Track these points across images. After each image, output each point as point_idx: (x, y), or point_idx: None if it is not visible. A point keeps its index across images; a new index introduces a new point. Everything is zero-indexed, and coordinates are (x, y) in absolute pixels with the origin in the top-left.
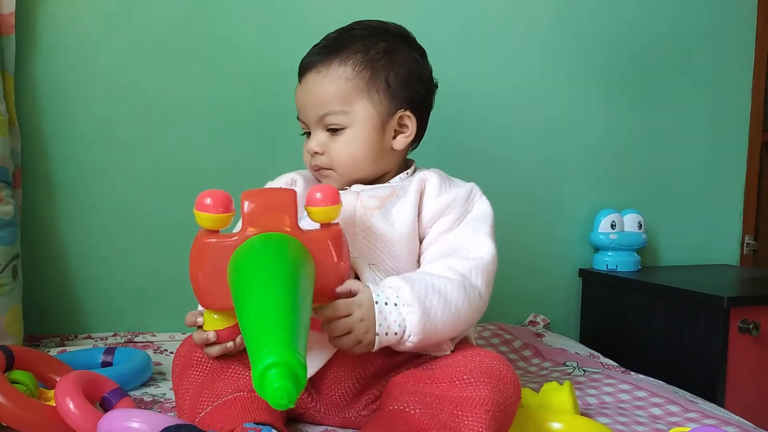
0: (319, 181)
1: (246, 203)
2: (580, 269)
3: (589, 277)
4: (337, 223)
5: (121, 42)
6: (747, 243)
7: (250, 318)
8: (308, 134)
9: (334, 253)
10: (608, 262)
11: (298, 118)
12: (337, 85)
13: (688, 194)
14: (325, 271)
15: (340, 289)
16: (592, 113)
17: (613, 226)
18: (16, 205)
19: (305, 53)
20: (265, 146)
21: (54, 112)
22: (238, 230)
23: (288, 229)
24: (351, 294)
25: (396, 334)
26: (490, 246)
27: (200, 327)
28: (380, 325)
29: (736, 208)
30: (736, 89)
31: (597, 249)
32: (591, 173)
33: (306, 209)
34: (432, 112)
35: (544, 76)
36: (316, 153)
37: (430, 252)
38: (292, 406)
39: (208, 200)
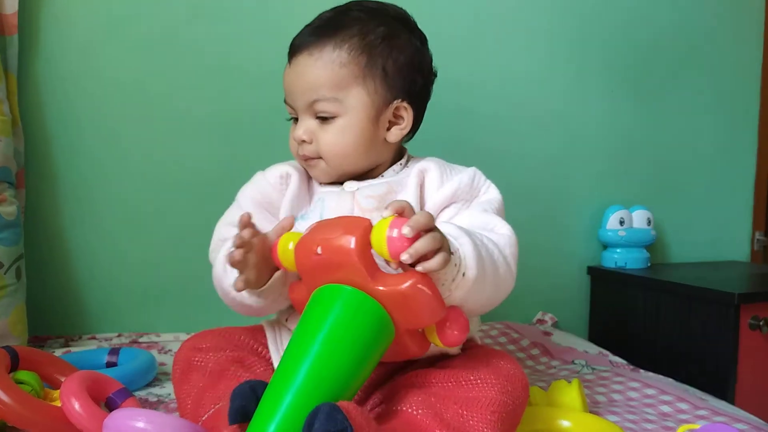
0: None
1: (314, 248)
2: (588, 267)
3: (597, 275)
4: (421, 275)
5: (125, 42)
6: (757, 239)
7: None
8: (295, 120)
9: (419, 306)
10: (617, 259)
11: (285, 102)
12: (330, 69)
13: (697, 190)
14: (415, 318)
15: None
16: (599, 109)
17: (621, 222)
18: (19, 205)
19: None
20: (269, 145)
21: (57, 112)
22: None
23: (362, 284)
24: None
25: (456, 265)
26: (509, 227)
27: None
28: (451, 243)
29: (745, 203)
30: (744, 83)
31: (605, 246)
32: (599, 169)
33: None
34: (436, 108)
35: (552, 72)
36: (303, 141)
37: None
38: None
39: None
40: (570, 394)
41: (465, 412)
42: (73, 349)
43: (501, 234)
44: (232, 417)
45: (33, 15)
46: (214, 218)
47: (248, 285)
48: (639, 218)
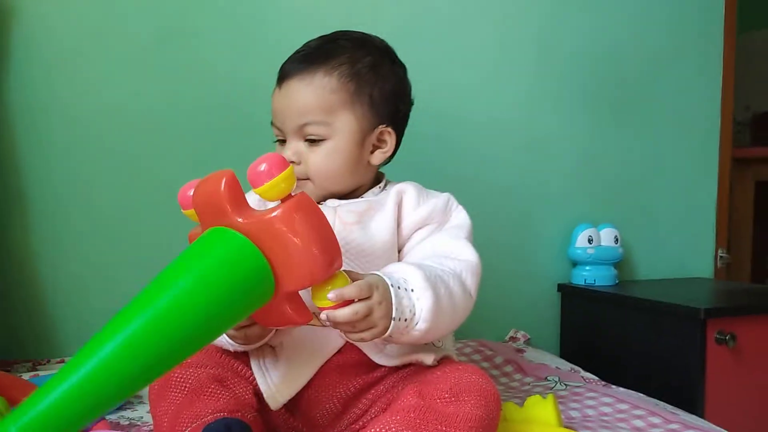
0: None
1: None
2: (558, 284)
3: (567, 292)
4: (300, 194)
5: (98, 58)
6: (720, 256)
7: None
8: (281, 142)
9: (292, 235)
10: (586, 276)
11: (272, 124)
12: (321, 95)
13: (662, 209)
14: (290, 256)
15: (332, 295)
16: (568, 130)
17: (590, 240)
18: None
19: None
20: (242, 164)
21: (29, 129)
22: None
23: (228, 220)
24: (345, 297)
25: (405, 320)
26: (473, 251)
27: None
28: (396, 309)
29: (708, 222)
30: (706, 107)
31: (575, 264)
32: (568, 189)
33: (255, 191)
34: (408, 128)
35: (520, 93)
36: (293, 162)
37: (412, 255)
38: None
39: (189, 193)
40: (545, 408)
41: (444, 428)
42: (41, 373)
43: (464, 260)
44: None
45: (4, 29)
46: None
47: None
48: (607, 236)
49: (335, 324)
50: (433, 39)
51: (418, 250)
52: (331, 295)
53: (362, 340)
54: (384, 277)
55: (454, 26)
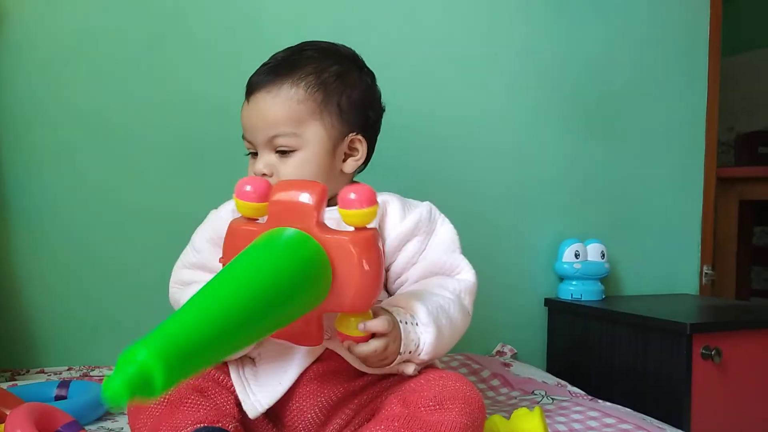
0: None
1: (272, 195)
2: (545, 299)
3: (554, 307)
4: (373, 228)
5: (83, 68)
6: (705, 273)
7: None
8: (253, 154)
9: (358, 261)
10: (573, 291)
11: (243, 138)
12: (288, 106)
13: (648, 225)
14: (347, 278)
15: (362, 326)
16: (556, 146)
17: (577, 255)
18: None
19: None
20: (230, 175)
21: (11, 139)
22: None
23: (308, 227)
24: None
25: (410, 352)
26: (471, 268)
27: None
28: (404, 343)
29: (693, 238)
30: (692, 127)
31: (562, 278)
32: (555, 203)
33: (339, 211)
34: (395, 142)
35: (509, 107)
36: (264, 174)
37: (414, 271)
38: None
39: (248, 188)
40: (532, 421)
41: None
42: (20, 383)
43: (464, 280)
44: None
45: None
46: (170, 251)
47: None
48: (593, 251)
49: (352, 353)
50: (418, 44)
51: (417, 269)
52: (361, 326)
53: (370, 366)
54: (393, 314)
55: (441, 38)
